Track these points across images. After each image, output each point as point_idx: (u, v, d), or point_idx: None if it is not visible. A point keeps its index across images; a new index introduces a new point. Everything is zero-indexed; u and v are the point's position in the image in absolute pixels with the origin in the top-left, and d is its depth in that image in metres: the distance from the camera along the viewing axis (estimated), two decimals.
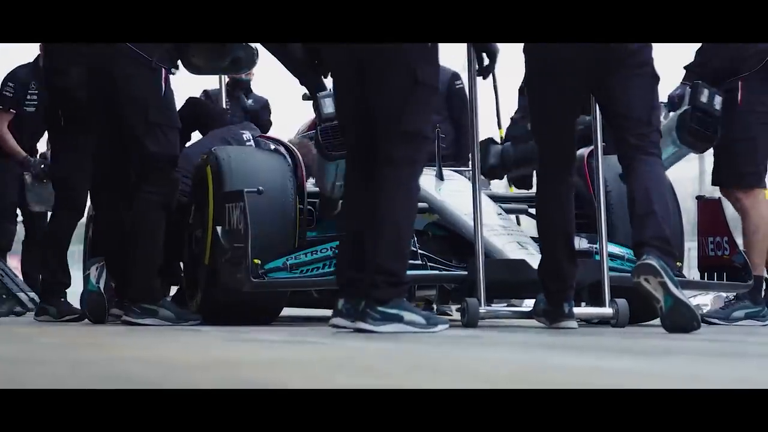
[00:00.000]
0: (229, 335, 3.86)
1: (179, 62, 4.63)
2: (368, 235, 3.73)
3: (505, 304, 4.96)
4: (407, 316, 3.68)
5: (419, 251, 4.45)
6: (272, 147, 4.83)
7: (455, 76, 5.85)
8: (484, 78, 4.10)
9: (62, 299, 5.00)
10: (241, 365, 2.32)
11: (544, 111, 4.00)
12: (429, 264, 4.43)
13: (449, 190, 4.67)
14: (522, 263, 4.23)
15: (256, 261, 4.25)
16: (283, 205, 4.53)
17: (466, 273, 4.25)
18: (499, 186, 5.47)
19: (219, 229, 4.50)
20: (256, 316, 4.90)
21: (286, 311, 5.36)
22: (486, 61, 3.90)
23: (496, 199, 4.71)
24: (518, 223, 5.01)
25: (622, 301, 4.04)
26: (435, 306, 5.25)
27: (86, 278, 4.81)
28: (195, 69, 4.79)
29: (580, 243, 4.42)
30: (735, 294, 4.67)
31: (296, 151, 4.68)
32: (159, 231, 4.45)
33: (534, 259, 4.29)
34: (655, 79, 3.87)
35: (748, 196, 4.53)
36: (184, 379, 1.95)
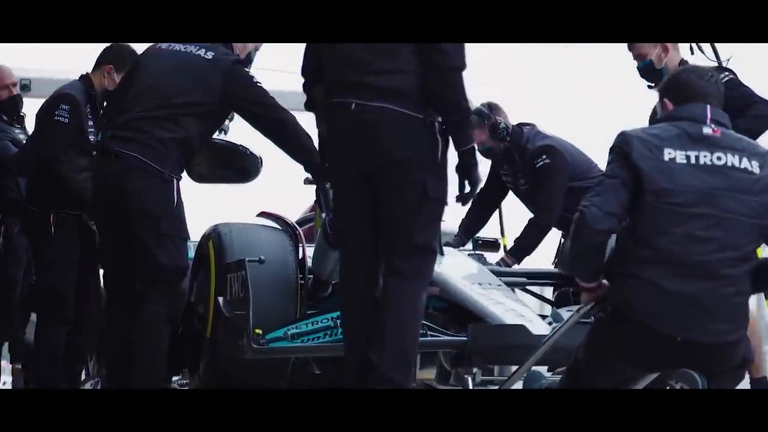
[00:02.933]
0: None
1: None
2: (374, 344, 3.78)
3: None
4: None
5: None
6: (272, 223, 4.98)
7: None
8: (463, 205, 4.22)
9: None
10: None
11: None
12: (429, 333, 4.52)
13: (449, 264, 4.78)
14: (521, 328, 4.38)
15: (257, 330, 4.34)
16: (284, 277, 4.65)
17: (466, 338, 4.39)
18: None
19: (221, 299, 4.64)
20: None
21: None
22: (467, 189, 3.98)
23: (496, 273, 4.90)
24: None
25: None
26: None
27: None
28: (199, 177, 4.92)
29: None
30: None
31: (297, 228, 4.83)
32: (163, 345, 4.53)
33: (533, 326, 4.44)
34: None
35: None
36: None
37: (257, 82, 4.46)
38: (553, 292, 5.38)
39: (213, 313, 4.75)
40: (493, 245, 5.82)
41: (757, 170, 3.53)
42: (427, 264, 3.88)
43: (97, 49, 5.56)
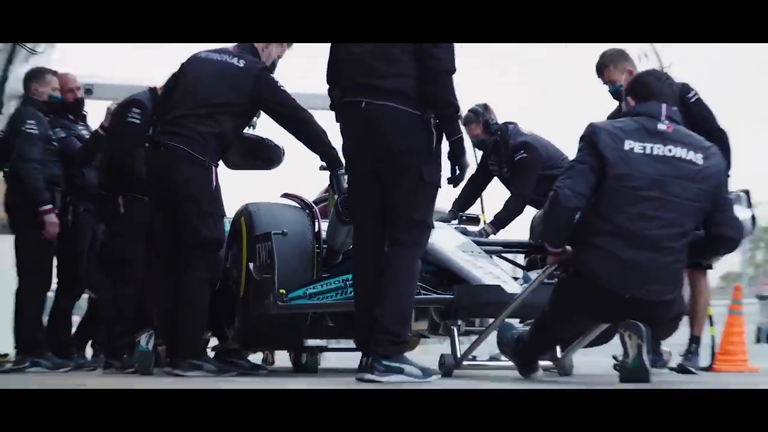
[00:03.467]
0: (259, 382, 4.30)
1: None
2: (378, 302, 4.09)
3: (488, 358, 5.50)
4: (407, 368, 4.05)
5: None
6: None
7: None
8: (454, 186, 4.42)
9: (125, 356, 5.59)
10: None
11: None
12: (422, 291, 4.91)
13: (439, 235, 5.11)
14: (497, 288, 4.84)
15: (281, 290, 4.84)
16: (303, 247, 5.13)
17: (452, 296, 4.88)
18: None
19: (251, 265, 5.12)
20: (283, 341, 5.52)
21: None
22: (457, 173, 4.23)
23: (477, 243, 5.33)
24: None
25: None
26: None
27: (137, 343, 5.35)
28: (233, 165, 5.39)
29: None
30: None
31: (314, 206, 5.30)
32: (206, 304, 4.98)
33: (507, 286, 4.86)
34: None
35: (694, 271, 5.22)
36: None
37: (281, 85, 4.87)
38: (524, 259, 5.81)
39: (245, 277, 5.24)
40: (474, 220, 6.31)
41: (701, 162, 3.87)
42: (422, 236, 4.19)
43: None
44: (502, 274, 5.17)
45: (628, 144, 3.84)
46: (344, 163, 4.49)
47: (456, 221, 6.16)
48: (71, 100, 6.47)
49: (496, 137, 6.29)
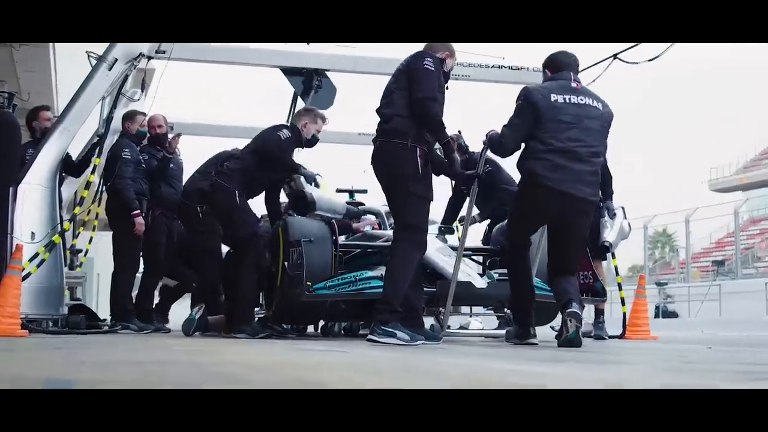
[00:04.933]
0: (290, 345, 4.65)
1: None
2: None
3: (459, 327, 6.47)
4: (399, 333, 4.72)
5: None
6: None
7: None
8: (460, 181, 5.53)
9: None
10: (294, 366, 2.72)
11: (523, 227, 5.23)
12: None
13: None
14: (468, 284, 5.84)
15: (308, 282, 5.72)
16: (324, 251, 5.96)
17: (435, 290, 5.77)
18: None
19: (286, 263, 6.00)
20: (307, 319, 6.56)
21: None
22: (457, 168, 5.13)
23: (452, 248, 6.20)
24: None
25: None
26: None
27: (190, 314, 6.43)
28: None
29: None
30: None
31: (334, 223, 6.25)
32: (255, 282, 6.12)
33: (476, 281, 5.78)
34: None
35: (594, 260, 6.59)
36: (259, 376, 2.19)
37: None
38: (484, 261, 6.86)
39: (281, 272, 6.11)
40: (450, 231, 7.10)
41: (601, 107, 5.00)
42: (414, 235, 4.92)
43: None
44: (472, 272, 6.06)
45: (553, 97, 4.94)
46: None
47: (437, 232, 6.86)
48: (155, 134, 7.64)
49: (467, 156, 7.05)
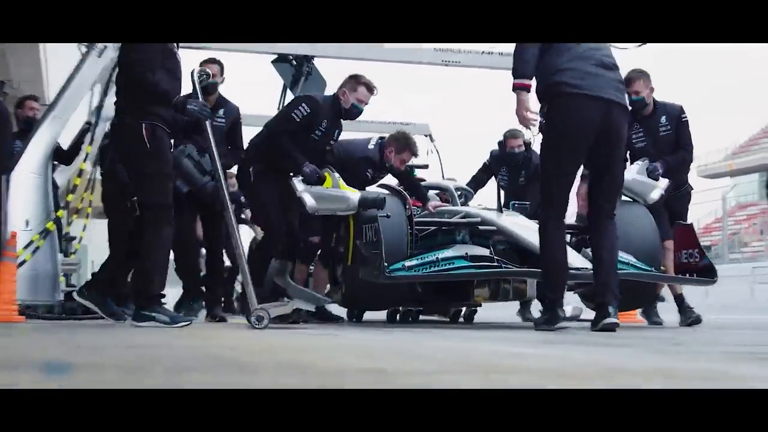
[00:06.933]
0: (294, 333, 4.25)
1: None
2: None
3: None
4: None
5: (495, 257, 5.47)
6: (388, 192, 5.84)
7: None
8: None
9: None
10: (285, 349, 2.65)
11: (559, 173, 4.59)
12: (503, 264, 5.41)
13: (508, 220, 5.73)
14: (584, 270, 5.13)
15: (386, 263, 5.06)
16: (400, 227, 5.47)
17: (539, 271, 4.77)
18: None
19: (358, 242, 5.45)
20: (380, 304, 6.19)
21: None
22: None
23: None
24: None
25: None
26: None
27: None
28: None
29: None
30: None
31: (407, 195, 5.76)
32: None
33: (583, 263, 5.22)
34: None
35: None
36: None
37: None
38: (570, 239, 6.06)
39: (352, 252, 5.59)
40: (523, 209, 6.28)
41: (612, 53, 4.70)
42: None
43: None
44: (576, 255, 5.46)
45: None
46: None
47: (509, 209, 6.24)
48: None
49: (527, 153, 7.38)
